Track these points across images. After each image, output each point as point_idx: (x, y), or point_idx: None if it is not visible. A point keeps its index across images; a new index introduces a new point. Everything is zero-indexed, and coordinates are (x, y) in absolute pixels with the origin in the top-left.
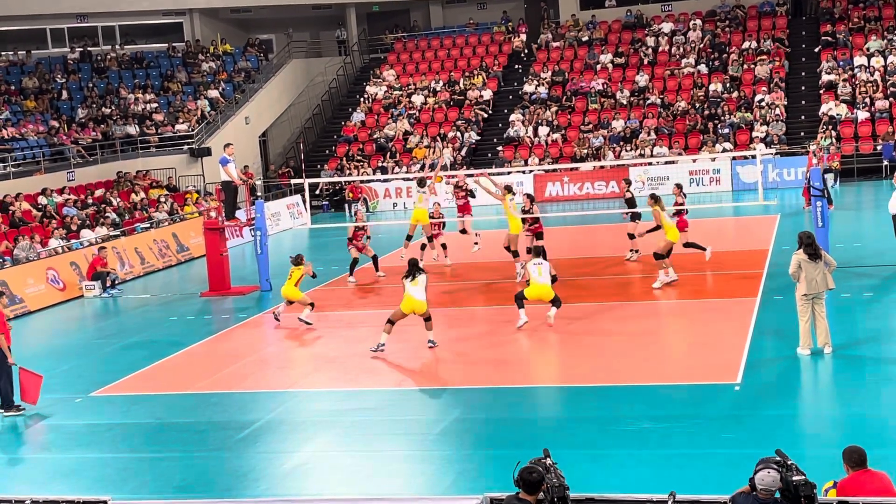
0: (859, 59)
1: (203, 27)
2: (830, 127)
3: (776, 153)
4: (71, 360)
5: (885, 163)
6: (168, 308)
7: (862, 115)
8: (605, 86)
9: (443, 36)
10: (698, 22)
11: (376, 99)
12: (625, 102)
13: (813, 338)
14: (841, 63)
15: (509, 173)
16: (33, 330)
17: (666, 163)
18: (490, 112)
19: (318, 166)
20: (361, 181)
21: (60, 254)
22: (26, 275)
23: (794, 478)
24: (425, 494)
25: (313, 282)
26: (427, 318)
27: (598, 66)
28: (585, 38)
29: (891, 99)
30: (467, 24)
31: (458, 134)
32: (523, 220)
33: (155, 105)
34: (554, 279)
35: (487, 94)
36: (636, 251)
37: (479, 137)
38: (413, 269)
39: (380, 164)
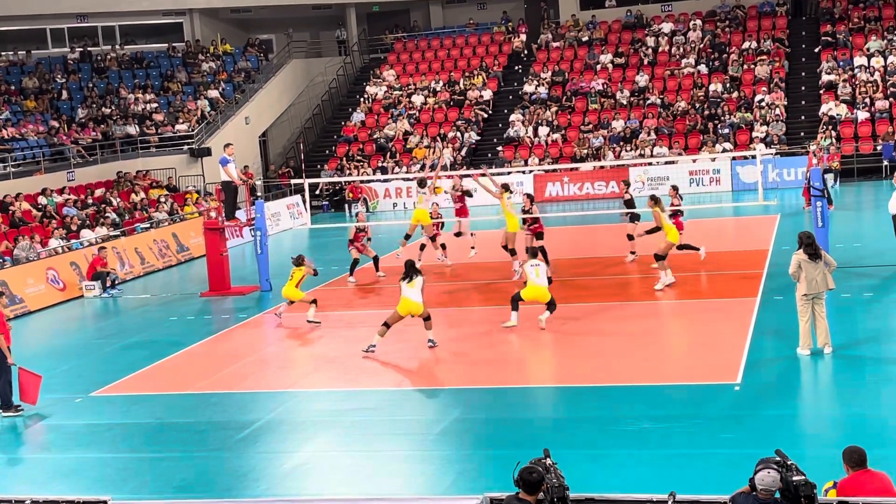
0: (859, 60)
1: (203, 27)
2: (830, 127)
3: (776, 153)
4: (71, 360)
5: (885, 163)
6: (168, 308)
7: (862, 115)
8: (605, 86)
9: (443, 36)
10: (698, 22)
11: (376, 99)
12: (625, 102)
13: (813, 338)
14: (841, 63)
15: (509, 173)
16: (33, 330)
17: (666, 163)
18: (490, 112)
19: (318, 166)
20: (361, 181)
21: (60, 254)
22: (26, 275)
23: (794, 478)
24: (425, 494)
25: (314, 281)
26: (426, 318)
27: (598, 66)
28: (585, 38)
29: (891, 99)
30: (467, 25)
31: (458, 134)
32: (524, 221)
33: (155, 105)
34: (549, 281)
35: (487, 94)
36: (633, 252)
37: (479, 137)
38: (410, 270)
39: (380, 165)
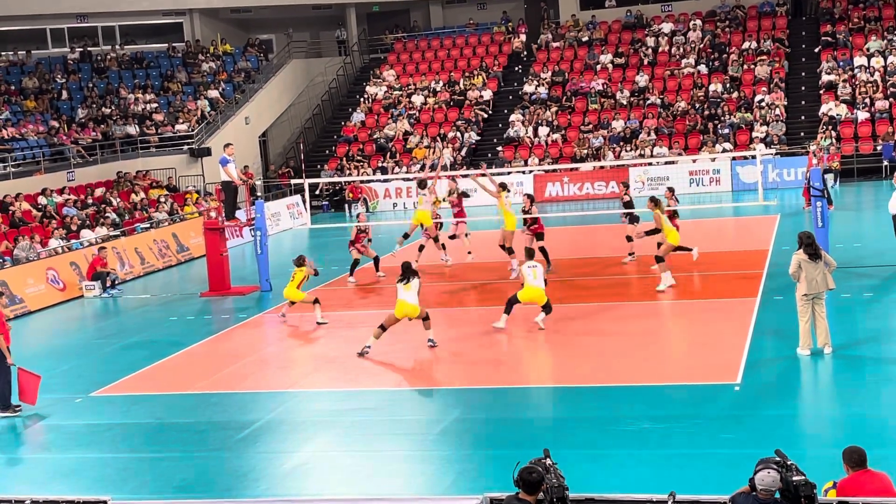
0: (859, 60)
1: (203, 27)
2: (830, 127)
3: (776, 153)
4: (71, 360)
5: (885, 163)
6: (168, 308)
7: (862, 115)
8: (605, 86)
9: (443, 36)
10: (698, 22)
11: (376, 99)
12: (625, 103)
13: (813, 338)
14: (841, 63)
15: (509, 173)
16: (33, 330)
17: (666, 163)
18: (490, 112)
19: (318, 166)
20: (361, 181)
21: (60, 254)
22: (26, 275)
23: (794, 478)
24: (425, 494)
25: (314, 281)
26: (425, 318)
27: (598, 67)
28: (585, 39)
29: (891, 99)
30: (467, 25)
31: (458, 134)
32: (524, 222)
33: (155, 105)
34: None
35: (487, 95)
36: (632, 254)
37: (479, 138)
38: (406, 272)
39: (380, 165)
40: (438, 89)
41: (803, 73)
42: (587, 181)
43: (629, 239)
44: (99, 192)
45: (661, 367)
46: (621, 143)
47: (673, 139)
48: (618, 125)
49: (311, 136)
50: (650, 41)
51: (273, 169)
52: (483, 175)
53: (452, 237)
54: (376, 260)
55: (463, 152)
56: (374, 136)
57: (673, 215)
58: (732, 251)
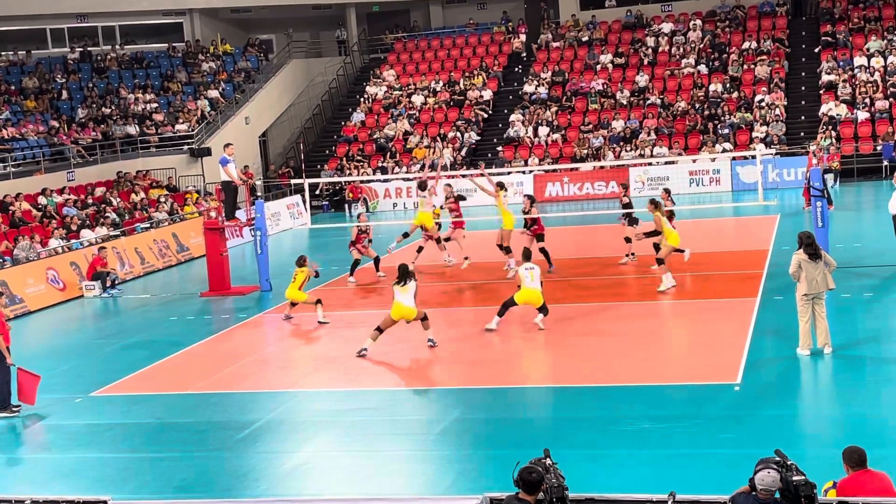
0: (859, 60)
1: (203, 27)
2: (830, 127)
3: (776, 153)
4: (71, 360)
5: (885, 163)
6: (168, 308)
7: (862, 115)
8: (605, 86)
9: (443, 36)
10: (698, 22)
11: (376, 99)
12: (625, 102)
13: (813, 338)
14: (841, 63)
15: (509, 173)
16: (33, 330)
17: (666, 163)
18: (490, 112)
19: (318, 166)
20: (361, 181)
21: (60, 254)
22: (26, 275)
23: (794, 478)
24: (425, 494)
25: (314, 281)
26: (423, 319)
27: (598, 67)
28: (585, 39)
29: (891, 99)
30: (467, 25)
31: (458, 134)
32: (524, 223)
33: (155, 105)
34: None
35: (487, 95)
36: (631, 254)
37: (479, 138)
38: (403, 275)
39: (380, 165)
40: (438, 89)
41: (803, 73)
42: (587, 181)
43: (627, 240)
44: (99, 192)
45: (661, 367)
46: (621, 143)
47: (673, 139)
48: (618, 125)
49: (311, 136)
50: (650, 41)
51: (273, 169)
52: (481, 175)
53: (447, 240)
54: (377, 260)
55: (463, 152)
56: (374, 136)
57: (669, 216)
58: (732, 251)
